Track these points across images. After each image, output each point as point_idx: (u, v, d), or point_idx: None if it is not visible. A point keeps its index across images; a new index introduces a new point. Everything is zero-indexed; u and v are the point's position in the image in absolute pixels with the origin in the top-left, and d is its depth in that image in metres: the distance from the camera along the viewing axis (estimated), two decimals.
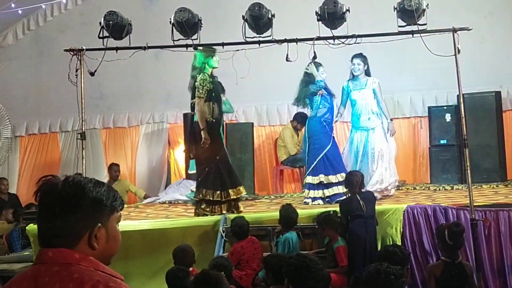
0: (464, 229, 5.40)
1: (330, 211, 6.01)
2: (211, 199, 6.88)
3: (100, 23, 6.61)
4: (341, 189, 7.45)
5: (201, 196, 6.92)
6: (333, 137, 7.88)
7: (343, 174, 7.43)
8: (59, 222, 1.75)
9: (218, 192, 6.88)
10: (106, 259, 1.83)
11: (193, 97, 7.02)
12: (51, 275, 1.70)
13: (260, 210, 7.37)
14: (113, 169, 10.36)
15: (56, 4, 11.30)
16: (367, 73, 7.90)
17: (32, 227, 6.82)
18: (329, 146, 7.68)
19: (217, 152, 7.04)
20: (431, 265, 5.60)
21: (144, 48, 6.79)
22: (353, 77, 7.90)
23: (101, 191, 1.81)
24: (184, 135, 10.18)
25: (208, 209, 6.91)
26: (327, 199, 7.54)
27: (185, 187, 9.50)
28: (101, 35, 6.64)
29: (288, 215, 6.05)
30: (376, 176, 7.50)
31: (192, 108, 7.09)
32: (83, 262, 1.73)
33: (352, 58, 7.84)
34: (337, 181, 7.53)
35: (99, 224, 1.80)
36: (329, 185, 7.55)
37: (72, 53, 6.69)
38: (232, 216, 6.49)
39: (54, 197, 1.77)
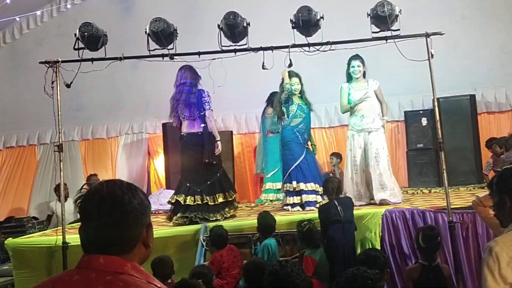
0: (439, 232, 5.45)
1: (303, 221, 5.93)
2: (232, 199, 7.44)
3: (75, 34, 6.59)
4: (311, 197, 7.56)
5: (226, 196, 7.32)
6: (307, 147, 7.89)
7: (313, 184, 7.54)
8: (120, 228, 1.72)
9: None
10: (145, 260, 1.82)
11: (201, 109, 7.29)
12: (104, 284, 1.64)
13: (241, 218, 7.38)
14: (93, 179, 10.30)
15: (31, 17, 11.27)
16: (364, 75, 7.75)
17: (10, 241, 6.76)
18: (302, 156, 7.72)
19: (221, 159, 7.64)
20: (409, 268, 5.64)
21: (120, 58, 6.77)
22: (351, 79, 7.70)
23: (142, 192, 1.82)
24: (169, 145, 10.09)
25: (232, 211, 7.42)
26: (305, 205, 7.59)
27: (165, 197, 9.45)
28: (76, 47, 6.62)
29: (265, 222, 6.08)
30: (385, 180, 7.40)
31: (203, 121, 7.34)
32: (135, 273, 1.69)
33: (350, 60, 7.63)
34: (307, 189, 7.61)
35: (150, 224, 1.82)
36: (301, 192, 7.61)
37: (47, 65, 6.66)
38: (211, 225, 6.50)
39: (116, 202, 1.73)
